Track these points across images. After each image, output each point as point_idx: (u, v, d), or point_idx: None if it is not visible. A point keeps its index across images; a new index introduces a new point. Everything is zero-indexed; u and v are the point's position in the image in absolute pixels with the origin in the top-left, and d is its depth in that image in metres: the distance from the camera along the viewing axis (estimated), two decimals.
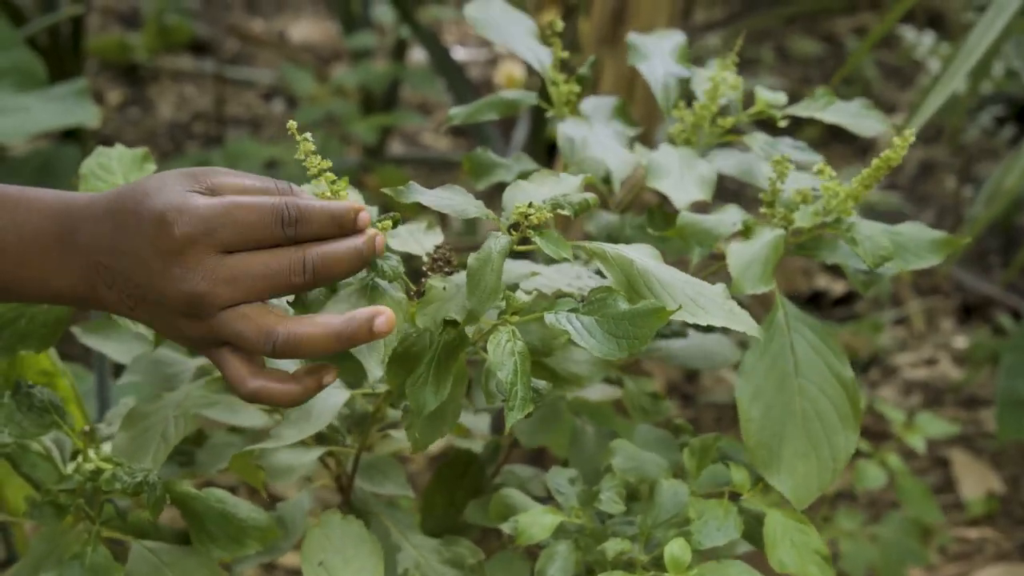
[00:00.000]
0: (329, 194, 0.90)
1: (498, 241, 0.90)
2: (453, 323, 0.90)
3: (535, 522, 1.02)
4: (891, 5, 2.08)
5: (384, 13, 3.86)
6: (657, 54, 1.25)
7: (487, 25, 1.22)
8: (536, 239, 0.91)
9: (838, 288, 3.04)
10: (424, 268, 0.95)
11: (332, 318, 0.86)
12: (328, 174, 0.90)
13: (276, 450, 1.06)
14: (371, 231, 0.88)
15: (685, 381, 2.74)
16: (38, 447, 1.05)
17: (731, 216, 1.11)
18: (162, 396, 1.09)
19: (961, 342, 2.90)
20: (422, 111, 4.10)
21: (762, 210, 1.10)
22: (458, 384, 0.93)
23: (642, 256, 0.94)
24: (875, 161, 1.04)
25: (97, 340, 1.18)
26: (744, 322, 0.93)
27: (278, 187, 0.89)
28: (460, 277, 0.93)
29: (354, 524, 1.02)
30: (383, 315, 0.85)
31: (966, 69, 1.57)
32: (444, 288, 0.92)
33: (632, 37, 1.26)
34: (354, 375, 1.05)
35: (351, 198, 0.91)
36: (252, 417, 1.10)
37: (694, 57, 1.25)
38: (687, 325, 1.21)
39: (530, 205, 0.91)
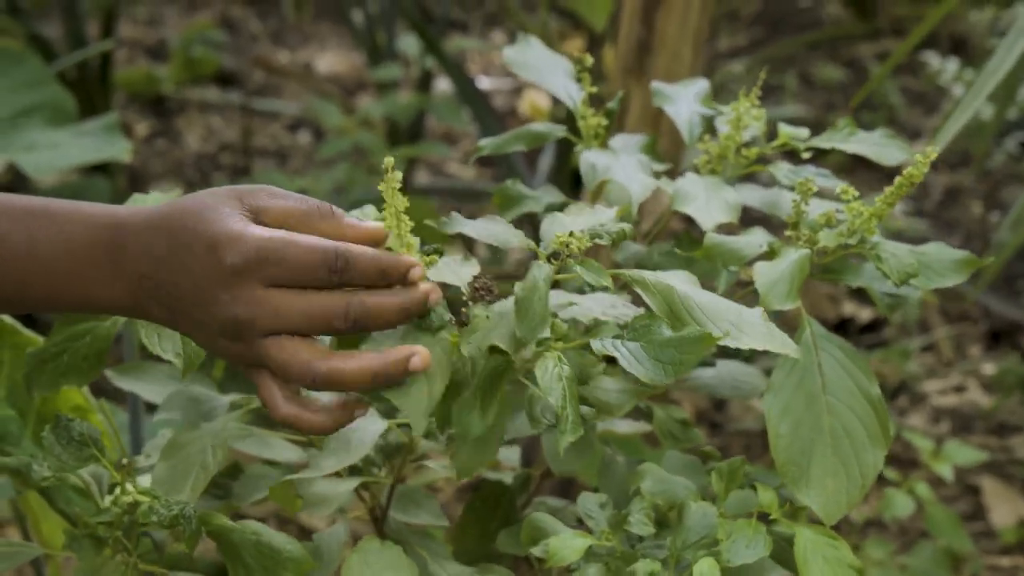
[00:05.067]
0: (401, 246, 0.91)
1: (542, 270, 0.92)
2: (499, 350, 0.91)
3: (566, 545, 1.03)
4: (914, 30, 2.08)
5: (409, 44, 3.89)
6: (682, 98, 1.28)
7: (526, 67, 1.25)
8: (577, 268, 0.93)
9: (865, 315, 3.03)
10: (465, 298, 0.96)
11: (370, 357, 0.87)
12: (414, 244, 0.92)
13: (313, 480, 1.07)
14: (425, 287, 0.90)
15: (714, 409, 2.74)
16: (76, 480, 1.06)
17: (757, 238, 1.12)
18: (199, 426, 1.11)
19: (990, 368, 2.89)
20: (447, 141, 4.12)
21: (787, 232, 1.12)
22: (503, 410, 0.94)
23: (682, 283, 0.95)
24: (898, 179, 1.06)
25: (130, 382, 1.20)
26: (783, 343, 0.94)
27: (320, 209, 0.90)
28: (502, 306, 0.94)
29: (393, 550, 1.03)
30: (418, 355, 0.88)
31: (986, 93, 1.57)
32: (487, 317, 0.93)
33: (656, 85, 1.29)
34: (390, 404, 1.06)
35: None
36: (287, 451, 1.11)
37: (718, 84, 1.26)
38: (716, 355, 1.22)
39: (571, 234, 0.92)
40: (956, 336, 2.99)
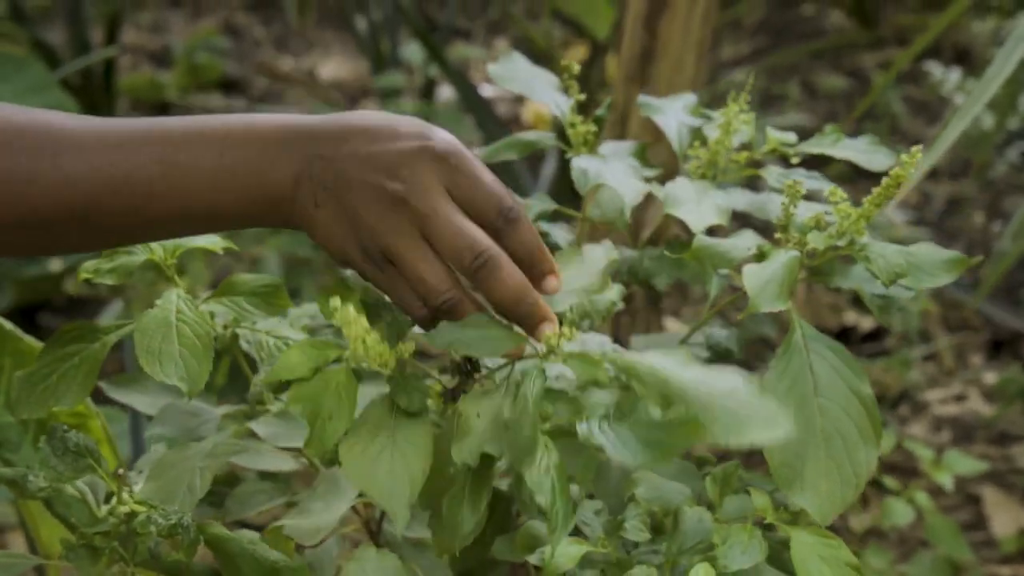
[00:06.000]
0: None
1: (533, 386, 0.89)
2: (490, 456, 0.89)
3: (562, 552, 1.03)
4: (916, 40, 2.08)
5: (413, 52, 3.90)
6: (671, 109, 1.30)
7: (512, 80, 1.27)
8: (569, 365, 0.90)
9: (866, 324, 3.04)
10: (448, 387, 0.95)
11: (515, 288, 0.90)
12: None
13: (301, 515, 1.07)
14: (546, 309, 0.91)
15: None
16: (72, 491, 1.06)
17: (746, 240, 1.13)
18: (189, 446, 1.11)
19: (991, 378, 2.89)
20: None
21: (777, 235, 1.12)
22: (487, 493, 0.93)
23: (676, 367, 0.88)
24: (885, 180, 1.06)
25: (124, 394, 1.20)
26: (783, 427, 0.87)
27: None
28: (492, 403, 0.92)
29: (389, 558, 1.03)
30: (550, 328, 0.91)
31: (984, 101, 1.57)
32: (478, 415, 0.91)
33: (643, 98, 1.31)
34: None
35: None
36: (280, 462, 1.11)
37: (719, 93, 1.28)
38: (707, 359, 1.23)
39: (561, 328, 0.91)
40: (957, 345, 2.99)
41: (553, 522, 0.87)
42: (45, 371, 1.07)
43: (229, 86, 4.46)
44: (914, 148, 1.05)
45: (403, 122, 0.91)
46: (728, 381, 0.88)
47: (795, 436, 1.04)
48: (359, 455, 0.91)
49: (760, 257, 1.09)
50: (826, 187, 1.15)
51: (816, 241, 1.09)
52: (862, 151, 1.23)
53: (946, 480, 2.12)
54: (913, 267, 1.09)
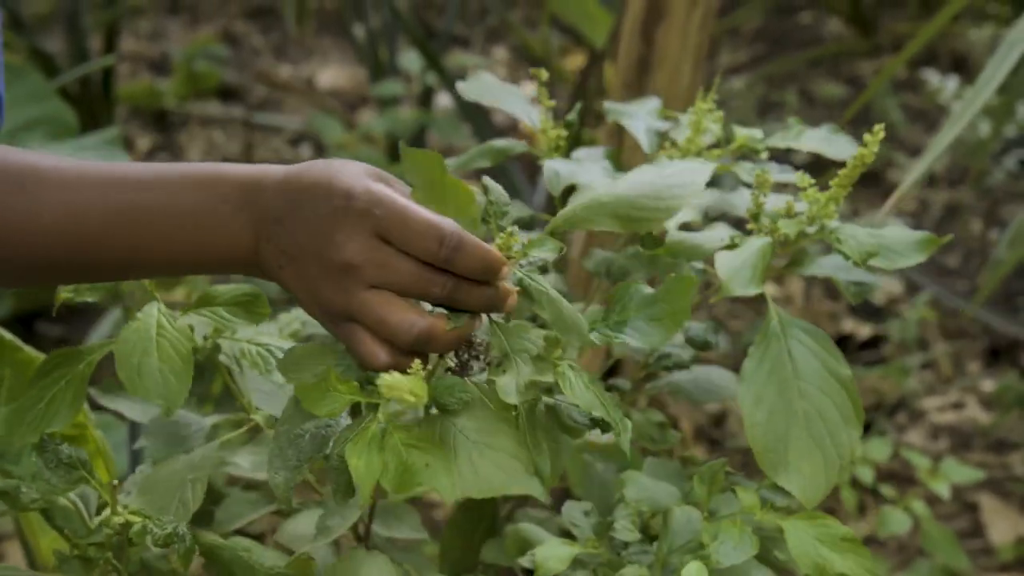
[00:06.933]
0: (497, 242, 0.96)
1: (548, 281, 0.96)
2: (534, 385, 0.93)
3: (552, 554, 1.03)
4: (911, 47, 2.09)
5: (411, 60, 3.90)
6: (639, 114, 1.33)
7: (480, 93, 1.31)
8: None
9: (864, 332, 3.04)
10: (457, 360, 0.97)
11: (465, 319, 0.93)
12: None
13: (295, 519, 1.08)
14: (507, 286, 0.94)
15: (712, 425, 2.74)
16: (66, 502, 1.06)
17: (719, 232, 1.14)
18: (177, 458, 1.11)
19: (989, 385, 2.89)
20: (448, 156, 4.12)
21: (748, 225, 1.13)
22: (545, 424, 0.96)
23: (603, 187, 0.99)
24: (849, 161, 1.07)
25: (114, 400, 1.20)
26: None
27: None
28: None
29: (379, 558, 1.04)
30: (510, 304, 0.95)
31: (977, 107, 1.58)
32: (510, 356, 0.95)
33: (609, 104, 1.35)
34: None
35: None
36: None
37: (718, 100, 1.29)
38: (693, 360, 1.24)
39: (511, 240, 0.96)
40: (955, 353, 2.99)
41: (617, 428, 0.93)
42: (34, 398, 1.08)
43: (228, 94, 4.47)
44: (876, 127, 1.05)
45: (338, 176, 0.92)
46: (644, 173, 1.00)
47: (777, 419, 1.05)
48: (459, 473, 0.92)
49: (733, 247, 1.10)
50: (795, 179, 1.16)
51: (787, 227, 1.10)
52: (824, 140, 1.25)
53: (943, 488, 2.12)
54: (884, 248, 1.10)
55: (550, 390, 0.94)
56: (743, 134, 1.27)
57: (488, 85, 1.31)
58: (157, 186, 0.94)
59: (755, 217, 1.12)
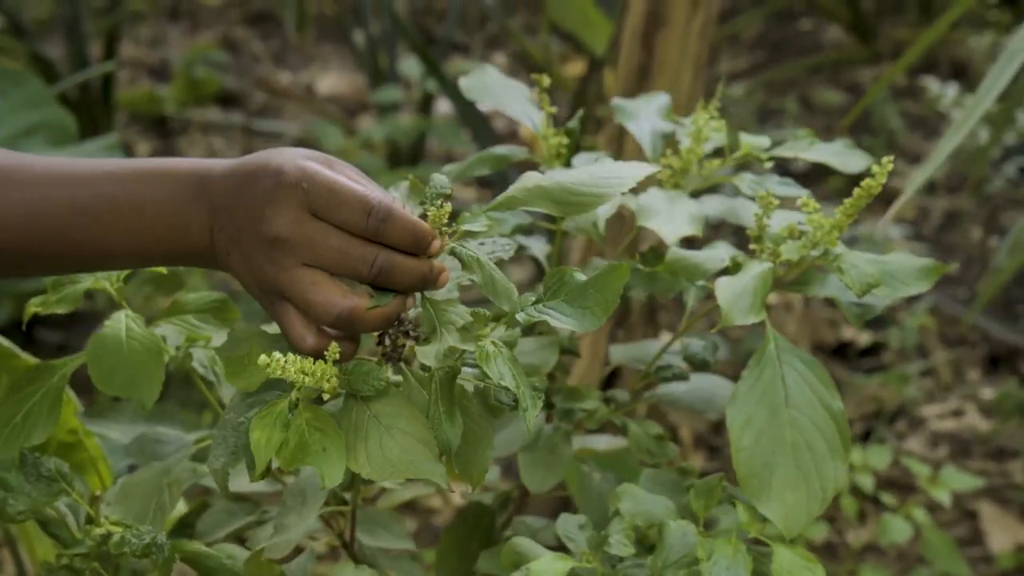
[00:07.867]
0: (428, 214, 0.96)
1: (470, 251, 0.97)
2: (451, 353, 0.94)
3: (547, 569, 1.03)
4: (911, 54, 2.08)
5: (411, 67, 3.90)
6: (644, 114, 1.30)
7: (484, 94, 1.28)
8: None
9: (864, 339, 3.04)
10: (389, 340, 0.97)
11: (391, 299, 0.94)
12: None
13: (265, 526, 1.08)
14: (439, 263, 0.95)
15: (712, 433, 2.74)
16: (52, 513, 1.07)
17: (720, 252, 1.13)
18: (152, 465, 1.12)
19: (988, 393, 2.88)
20: (448, 162, 4.12)
21: (751, 246, 1.11)
22: (468, 405, 0.97)
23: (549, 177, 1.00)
24: (856, 191, 1.06)
25: (99, 424, 1.21)
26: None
27: (381, 191, 0.95)
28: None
29: (366, 573, 1.04)
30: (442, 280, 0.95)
31: (977, 116, 1.57)
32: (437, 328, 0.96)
33: (616, 101, 1.31)
34: None
35: None
36: (251, 483, 1.11)
37: (718, 107, 1.27)
38: (690, 369, 1.23)
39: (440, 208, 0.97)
40: (955, 361, 2.99)
41: (523, 402, 0.92)
42: (9, 413, 1.09)
43: (227, 100, 4.47)
44: (885, 159, 1.05)
45: (272, 159, 0.94)
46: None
47: (764, 445, 1.04)
48: (368, 458, 0.92)
49: (734, 268, 1.09)
50: (797, 193, 1.15)
51: (790, 252, 1.09)
52: (837, 154, 1.23)
53: (943, 496, 2.12)
54: (887, 276, 1.09)
55: (485, 377, 0.94)
56: (747, 142, 1.25)
57: (491, 81, 1.30)
58: (117, 180, 0.96)
59: (758, 239, 1.11)
